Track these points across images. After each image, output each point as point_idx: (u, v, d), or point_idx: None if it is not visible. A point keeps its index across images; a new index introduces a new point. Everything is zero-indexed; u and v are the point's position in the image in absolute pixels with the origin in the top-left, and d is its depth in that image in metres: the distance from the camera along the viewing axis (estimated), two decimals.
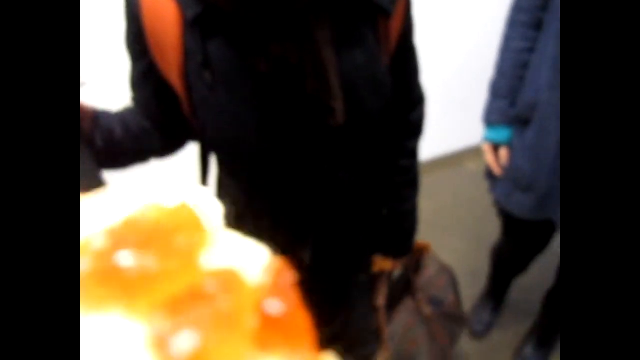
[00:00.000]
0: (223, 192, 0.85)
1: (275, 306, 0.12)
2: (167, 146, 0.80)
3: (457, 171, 2.33)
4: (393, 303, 0.99)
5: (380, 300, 0.95)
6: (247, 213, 0.79)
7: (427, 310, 0.95)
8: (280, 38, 0.60)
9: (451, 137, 2.36)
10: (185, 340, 0.10)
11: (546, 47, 1.05)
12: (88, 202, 0.12)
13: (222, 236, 0.12)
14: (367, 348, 1.00)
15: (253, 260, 0.12)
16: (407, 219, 0.90)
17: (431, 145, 2.32)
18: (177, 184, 0.12)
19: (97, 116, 0.71)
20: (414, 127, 0.84)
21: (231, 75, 0.63)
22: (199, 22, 0.60)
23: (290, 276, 0.12)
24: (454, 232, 1.97)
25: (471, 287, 1.74)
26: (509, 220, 1.34)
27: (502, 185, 1.23)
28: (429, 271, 0.97)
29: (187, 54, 0.62)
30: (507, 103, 1.16)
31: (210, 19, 0.60)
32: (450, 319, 0.98)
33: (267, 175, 0.72)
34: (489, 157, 1.22)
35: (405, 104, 0.80)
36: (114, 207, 0.12)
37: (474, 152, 2.35)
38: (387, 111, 0.72)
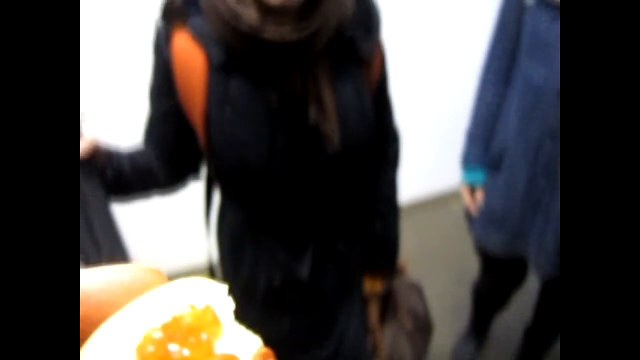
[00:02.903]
0: (225, 222, 0.95)
1: None
2: (171, 182, 0.93)
3: (442, 211, 2.43)
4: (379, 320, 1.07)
5: (374, 320, 1.03)
6: (247, 236, 0.90)
7: (408, 323, 1.03)
8: (288, 74, 0.74)
9: (436, 179, 2.47)
10: None
11: (513, 99, 1.19)
12: (148, 297, 0.17)
13: (230, 327, 0.17)
14: None
15: (247, 348, 0.17)
16: (393, 243, 1.01)
17: (417, 186, 2.43)
18: (202, 283, 0.18)
19: (111, 155, 0.84)
20: (392, 159, 0.97)
21: (247, 109, 0.76)
22: (224, 67, 0.74)
23: None
24: (438, 269, 2.05)
25: (455, 322, 1.81)
26: (486, 257, 1.44)
27: (479, 224, 1.34)
28: (404, 287, 1.06)
29: (210, 93, 0.75)
30: (481, 148, 1.28)
31: (232, 64, 0.74)
32: (423, 329, 1.07)
33: (270, 196, 0.84)
34: (467, 198, 1.34)
35: (384, 139, 0.93)
36: (163, 305, 0.17)
37: (457, 194, 2.46)
38: (371, 143, 0.85)
